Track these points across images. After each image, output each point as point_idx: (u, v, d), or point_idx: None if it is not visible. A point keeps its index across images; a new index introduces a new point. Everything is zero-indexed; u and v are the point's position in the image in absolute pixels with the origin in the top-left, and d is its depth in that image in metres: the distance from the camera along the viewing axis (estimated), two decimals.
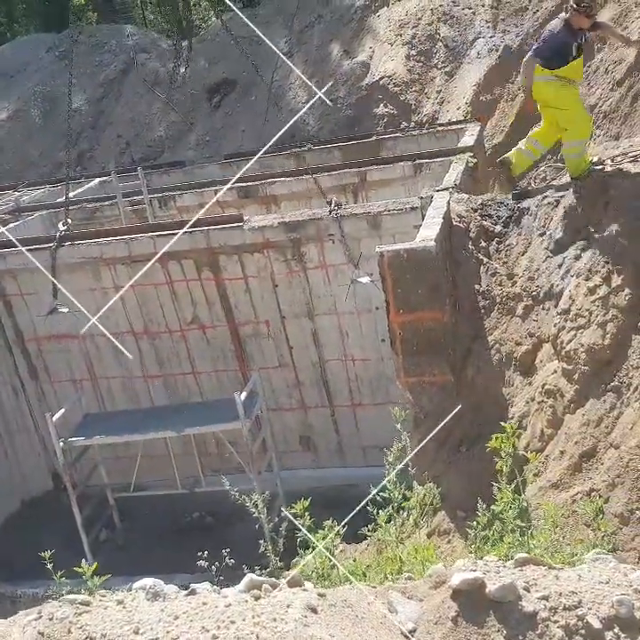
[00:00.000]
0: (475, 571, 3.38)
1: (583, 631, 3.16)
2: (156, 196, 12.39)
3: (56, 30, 21.51)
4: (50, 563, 5.17)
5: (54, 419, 9.76)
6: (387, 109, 16.05)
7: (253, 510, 5.45)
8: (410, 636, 3.29)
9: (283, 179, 11.94)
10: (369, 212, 9.56)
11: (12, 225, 12.10)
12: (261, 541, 6.06)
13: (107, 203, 12.59)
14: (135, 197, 12.34)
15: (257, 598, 3.50)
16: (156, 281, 10.47)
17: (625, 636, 3.15)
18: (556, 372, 7.32)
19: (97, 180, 14.00)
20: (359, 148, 12.92)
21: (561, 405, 7.05)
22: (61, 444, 9.81)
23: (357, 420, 10.50)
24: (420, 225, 8.59)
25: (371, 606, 3.47)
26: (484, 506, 5.23)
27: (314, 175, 10.00)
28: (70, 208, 11.24)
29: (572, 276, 7.63)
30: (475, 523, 5.20)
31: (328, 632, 3.28)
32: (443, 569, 3.55)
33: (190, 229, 10.09)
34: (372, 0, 17.82)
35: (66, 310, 10.60)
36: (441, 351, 7.86)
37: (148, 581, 3.75)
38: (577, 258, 7.71)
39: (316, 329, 10.25)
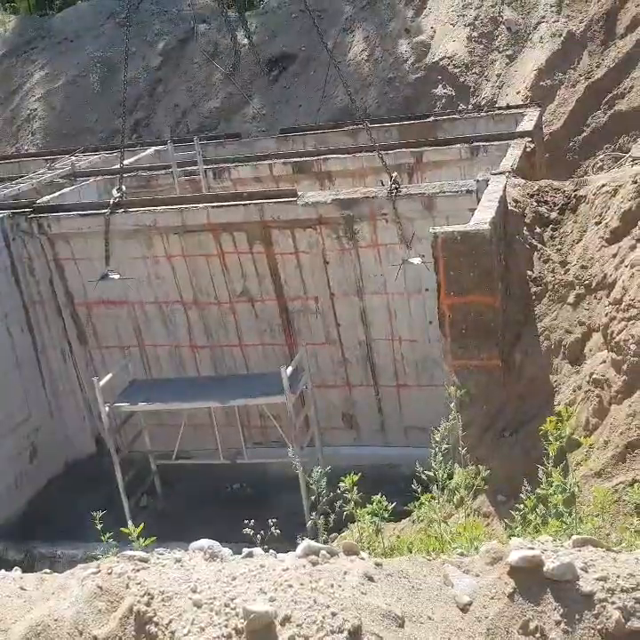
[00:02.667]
0: (533, 548, 3.39)
1: None
2: (211, 167, 12.44)
3: None
4: (99, 523, 5.27)
5: (101, 383, 9.92)
6: (445, 91, 15.87)
7: (309, 482, 5.49)
8: (465, 609, 3.31)
9: (338, 155, 11.91)
10: (424, 193, 9.49)
11: (67, 189, 12.27)
12: (310, 514, 6.11)
13: (162, 172, 12.68)
14: (189, 168, 12.40)
15: (314, 564, 3.53)
16: (208, 252, 10.53)
17: None
18: (604, 361, 7.24)
19: (152, 148, 14.12)
20: (416, 128, 12.82)
21: (608, 395, 6.99)
22: (107, 408, 9.97)
23: (401, 400, 10.50)
24: (475, 208, 8.50)
25: (426, 578, 3.49)
26: (529, 489, 5.23)
27: (380, 152, 9.92)
28: (125, 175, 11.34)
29: (625, 267, 7.52)
30: (521, 505, 5.19)
31: (384, 600, 3.31)
32: (499, 545, 3.56)
33: (244, 202, 10.16)
34: None
35: (117, 276, 10.77)
36: (490, 335, 7.81)
37: (205, 542, 3.80)
38: (632, 248, 7.59)
39: (364, 307, 10.24)
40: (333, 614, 3.19)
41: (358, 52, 17.05)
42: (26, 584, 3.77)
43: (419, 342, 10.12)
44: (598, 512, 5.00)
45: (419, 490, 5.46)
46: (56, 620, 3.35)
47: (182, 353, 11.15)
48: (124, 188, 10.97)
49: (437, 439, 5.92)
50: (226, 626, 3.22)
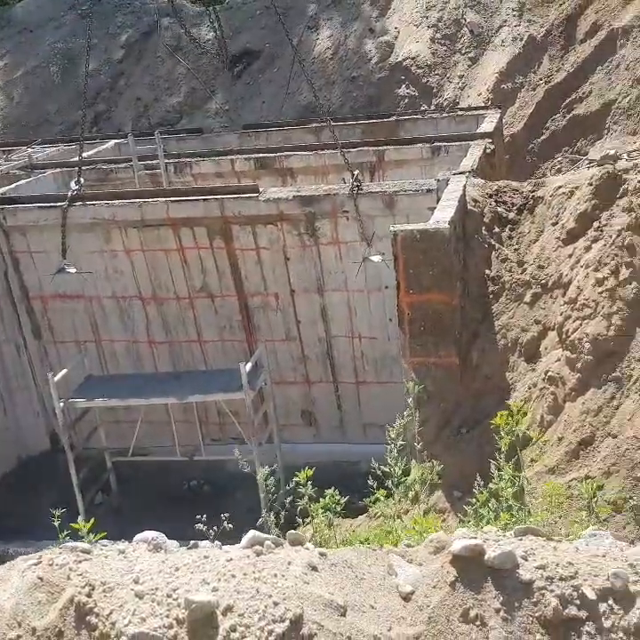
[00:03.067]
0: (475, 538, 3.43)
1: (578, 601, 3.22)
2: (172, 161, 12.34)
3: None
4: (55, 520, 5.18)
5: (56, 379, 9.75)
6: (408, 91, 15.98)
7: (259, 480, 5.47)
8: (407, 598, 3.33)
9: (301, 152, 11.90)
10: (385, 191, 9.53)
11: (23, 181, 12.03)
12: (264, 511, 6.10)
13: (122, 165, 12.54)
14: (151, 162, 12.28)
15: (258, 554, 3.53)
16: (167, 247, 10.44)
17: (618, 608, 3.21)
18: (559, 359, 7.37)
19: (113, 141, 13.94)
20: (379, 127, 12.87)
21: (562, 393, 7.12)
22: (61, 404, 9.80)
23: (360, 397, 10.52)
24: (435, 207, 8.57)
25: (371, 568, 3.51)
26: (482, 484, 5.28)
27: (342, 149, 9.93)
28: (84, 168, 11.18)
29: (581, 267, 7.66)
30: (474, 500, 5.24)
31: (328, 590, 3.32)
32: (443, 535, 3.62)
33: (205, 197, 10.09)
34: None
35: (74, 270, 10.62)
36: (448, 333, 7.88)
37: (149, 534, 3.78)
38: (587, 249, 7.74)
39: (324, 305, 10.25)
40: (275, 604, 3.21)
41: (323, 50, 17.07)
42: None
43: (378, 339, 10.16)
44: (547, 506, 5.07)
45: (375, 486, 5.48)
46: None
47: (140, 348, 11.04)
48: (82, 180, 10.81)
49: (393, 436, 5.95)
50: (167, 616, 3.21)
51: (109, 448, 10.77)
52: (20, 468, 11.41)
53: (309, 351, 10.52)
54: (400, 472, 5.52)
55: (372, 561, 3.55)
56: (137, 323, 10.92)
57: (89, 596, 3.31)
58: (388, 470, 5.60)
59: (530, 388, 7.56)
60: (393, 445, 5.86)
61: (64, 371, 10.09)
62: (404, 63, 16.25)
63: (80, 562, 3.50)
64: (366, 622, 3.25)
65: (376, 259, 9.54)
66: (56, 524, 5.17)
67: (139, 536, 3.80)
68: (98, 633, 3.24)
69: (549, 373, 7.35)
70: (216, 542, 3.85)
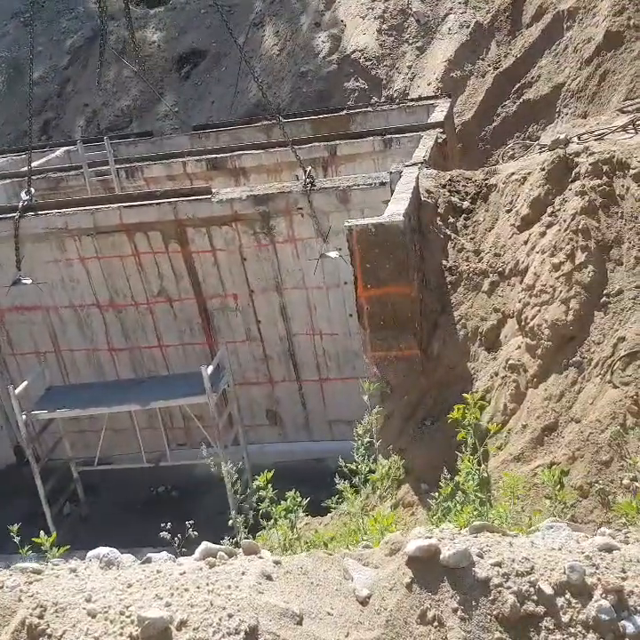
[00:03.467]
0: (430, 537, 3.40)
1: (535, 597, 3.20)
2: (123, 166, 12.21)
3: None
4: (17, 535, 5.10)
5: (17, 391, 9.62)
6: (357, 84, 15.95)
7: (226, 481, 5.42)
8: (364, 602, 3.30)
9: (252, 151, 11.84)
10: (338, 187, 9.52)
11: None
12: (233, 513, 6.05)
13: (72, 172, 12.38)
14: (101, 168, 12.13)
15: (212, 566, 3.50)
16: (122, 253, 10.33)
17: (576, 602, 3.19)
18: (519, 347, 7.40)
19: (62, 149, 13.77)
20: (329, 121, 12.86)
21: (524, 380, 7.13)
22: (24, 416, 9.67)
23: (324, 394, 10.51)
24: (389, 200, 8.57)
25: (326, 573, 3.47)
26: (448, 477, 5.28)
27: (293, 146, 9.89)
28: (34, 177, 11.01)
29: (537, 253, 7.68)
30: (437, 494, 5.24)
31: (283, 599, 3.29)
32: (399, 536, 3.57)
33: (157, 201, 10.00)
34: None
35: (29, 281, 10.46)
36: (407, 326, 7.89)
37: (102, 550, 3.73)
38: (542, 235, 7.76)
39: (284, 303, 10.21)
40: (230, 616, 3.18)
41: (269, 47, 16.98)
42: None
43: (339, 335, 10.16)
44: (510, 496, 5.09)
45: (342, 483, 5.46)
46: None
47: (100, 356, 10.91)
48: (33, 190, 10.64)
49: (360, 432, 5.94)
50: (121, 634, 3.19)
51: (75, 458, 10.66)
52: None
53: (271, 350, 10.49)
54: (367, 468, 5.50)
55: (328, 566, 3.52)
56: (96, 331, 10.80)
57: (41, 617, 3.28)
58: (354, 467, 5.59)
59: (492, 377, 7.58)
60: (359, 442, 5.85)
61: (25, 383, 9.96)
62: (352, 56, 16.22)
63: (31, 583, 3.46)
64: (323, 629, 3.22)
65: (333, 254, 9.53)
66: (16, 540, 5.08)
67: (91, 552, 3.76)
68: None
69: (510, 361, 7.37)
70: (170, 556, 3.80)
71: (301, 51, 16.68)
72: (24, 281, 10.44)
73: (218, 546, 3.67)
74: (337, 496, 5.75)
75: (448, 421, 5.96)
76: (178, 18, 18.60)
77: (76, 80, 18.22)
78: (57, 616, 3.24)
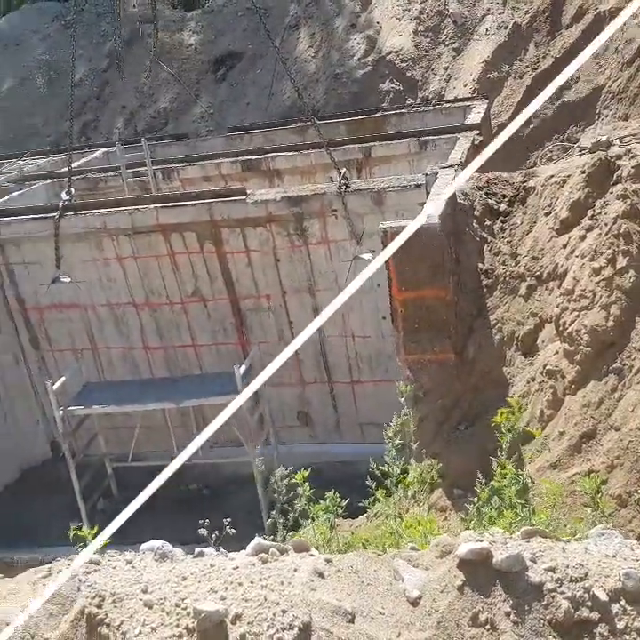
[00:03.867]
0: (482, 541, 3.41)
1: (589, 603, 3.19)
2: (159, 167, 12.31)
3: None
4: (61, 528, 5.16)
5: (54, 387, 9.79)
6: (393, 85, 15.94)
7: (258, 480, 5.46)
8: (415, 603, 3.32)
9: (286, 153, 11.87)
10: (373, 189, 9.50)
11: (15, 193, 12.02)
12: (268, 512, 6.08)
13: (111, 173, 12.52)
14: (139, 169, 12.26)
15: (264, 562, 3.54)
16: (158, 253, 10.43)
17: (631, 609, 3.18)
18: (557, 352, 7.30)
19: (101, 150, 13.94)
20: (364, 123, 12.83)
21: (562, 386, 7.03)
22: (61, 412, 9.83)
23: (356, 396, 10.51)
24: (425, 202, 8.54)
25: (377, 573, 3.50)
26: (484, 482, 5.24)
27: (328, 148, 9.91)
28: (74, 178, 11.17)
29: (576, 257, 7.58)
30: (475, 499, 5.21)
31: (335, 596, 3.32)
32: (449, 539, 3.60)
33: (193, 202, 10.08)
34: None
35: (68, 280, 10.62)
36: (442, 329, 7.85)
37: (155, 543, 3.79)
38: (582, 238, 7.65)
39: (316, 304, 10.23)
40: (283, 611, 3.21)
41: (305, 49, 17.04)
42: None
43: (372, 338, 10.14)
44: (551, 503, 5.04)
45: (373, 486, 5.46)
46: (8, 625, 3.36)
47: (135, 355, 11.02)
48: (73, 190, 10.79)
49: (391, 434, 5.92)
50: (177, 625, 3.24)
51: (109, 454, 10.78)
52: (23, 477, 11.41)
53: (303, 352, 10.50)
54: (399, 471, 5.49)
55: (378, 566, 3.55)
56: (132, 329, 10.92)
57: (99, 606, 3.35)
58: (386, 470, 5.58)
59: (528, 383, 7.50)
60: (391, 444, 5.83)
61: (62, 379, 10.12)
62: (388, 57, 16.21)
63: (89, 573, 3.54)
64: (375, 628, 3.25)
65: (366, 257, 9.51)
66: (68, 532, 5.15)
67: (145, 545, 3.82)
68: None
69: (548, 367, 7.27)
70: (221, 550, 3.85)
71: (336, 52, 16.71)
72: (63, 279, 10.59)
73: (270, 542, 3.72)
74: (368, 498, 5.75)
75: (484, 426, 5.93)
76: (214, 21, 18.74)
77: (113, 82, 18.44)
78: (115, 606, 3.32)
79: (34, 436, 11.63)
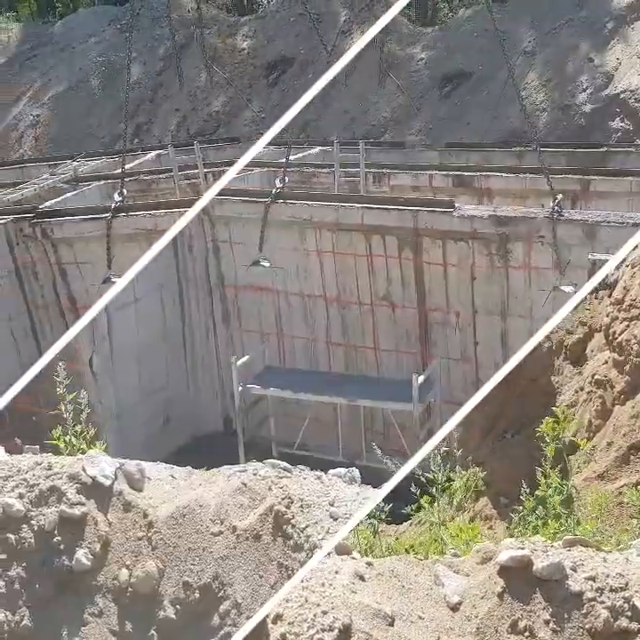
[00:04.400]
0: (522, 548, 3.38)
1: (629, 613, 3.14)
2: (371, 171, 12.54)
3: (118, 3, 21.60)
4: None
5: (239, 363, 10.22)
6: (623, 124, 15.33)
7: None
8: (455, 608, 3.31)
9: (501, 174, 11.74)
10: (586, 220, 9.21)
11: (69, 194, 12.26)
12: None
13: (162, 176, 12.78)
14: (351, 170, 12.56)
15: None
16: (357, 252, 10.64)
17: None
18: (606, 362, 7.00)
19: (154, 152, 14.18)
20: (586, 156, 12.45)
21: (610, 396, 6.75)
22: (240, 388, 10.24)
23: None
24: None
25: (417, 578, 3.49)
26: (529, 491, 5.08)
27: (548, 174, 9.73)
28: (126, 180, 11.30)
29: (627, 266, 7.17)
30: (520, 508, 5.05)
31: (375, 599, 3.33)
32: (490, 546, 3.56)
33: (400, 207, 10.21)
34: (630, 10, 17.00)
35: (268, 264, 11.06)
36: None
37: (342, 470, 3.94)
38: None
39: (506, 329, 10.02)
40: (324, 613, 3.23)
41: (536, 76, 16.76)
42: (175, 474, 4.08)
43: None
44: (597, 514, 4.80)
45: (418, 493, 5.32)
46: (201, 506, 3.60)
47: (317, 347, 11.30)
48: (125, 191, 10.99)
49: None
50: None
51: (277, 438, 11.05)
52: (194, 443, 11.93)
53: (483, 375, 10.32)
54: (444, 479, 5.35)
55: (419, 571, 3.54)
56: (318, 322, 11.19)
57: (288, 507, 3.52)
58: (431, 477, 5.42)
59: (576, 392, 7.23)
60: (435, 451, 5.66)
61: (246, 357, 10.54)
62: (622, 96, 15.61)
63: (281, 478, 3.75)
64: (414, 632, 3.26)
65: (568, 289, 9.22)
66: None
67: (332, 471, 3.99)
68: (292, 542, 3.46)
69: (596, 376, 6.98)
70: None
71: (568, 83, 16.30)
72: (263, 263, 11.04)
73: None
74: (412, 506, 5.61)
75: (530, 434, 5.73)
76: (448, 38, 18.86)
77: (167, 86, 18.56)
78: (302, 510, 3.51)
79: (210, 408, 12.18)
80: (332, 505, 3.48)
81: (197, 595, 3.48)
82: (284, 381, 10.56)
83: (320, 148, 14.45)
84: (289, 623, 3.23)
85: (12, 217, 11.16)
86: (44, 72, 20.27)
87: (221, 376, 11.95)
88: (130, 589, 3.59)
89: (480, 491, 6.55)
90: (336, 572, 3.47)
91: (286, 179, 11.29)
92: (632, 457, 6.17)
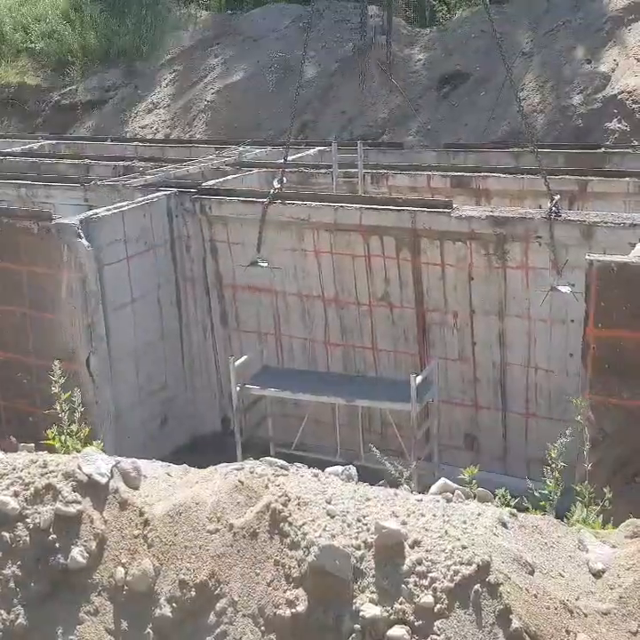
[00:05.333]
0: None
1: None
2: (370, 171, 12.58)
3: (305, 2, 22.23)
4: None
5: (237, 363, 10.23)
6: (620, 125, 15.37)
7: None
8: (598, 574, 3.31)
9: (499, 174, 11.76)
10: (584, 221, 9.21)
11: (231, 176, 12.76)
12: None
13: (322, 171, 12.93)
14: (349, 170, 12.58)
15: (448, 501, 3.61)
16: (355, 252, 10.64)
17: None
18: None
19: (317, 148, 14.45)
20: (584, 157, 12.46)
21: None
22: (238, 388, 10.24)
23: (528, 429, 10.18)
24: (637, 243, 8.20)
25: (560, 539, 3.47)
26: None
27: (545, 174, 9.74)
28: (287, 170, 11.62)
29: None
30: None
31: (516, 547, 3.31)
32: None
33: (398, 207, 10.21)
34: (627, 12, 17.04)
35: (265, 265, 11.07)
36: (635, 374, 7.45)
37: (339, 468, 3.96)
38: None
39: (503, 329, 10.03)
40: (463, 547, 3.25)
41: (534, 77, 16.79)
42: (172, 471, 4.14)
43: (555, 373, 9.80)
44: None
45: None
46: (197, 504, 3.65)
47: (316, 347, 11.29)
48: (285, 179, 11.24)
49: (557, 475, 5.63)
50: (356, 538, 3.37)
51: (274, 439, 11.05)
52: (192, 443, 11.91)
53: (481, 374, 10.33)
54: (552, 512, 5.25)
55: (563, 533, 3.53)
56: (316, 322, 11.20)
57: (284, 505, 3.54)
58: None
59: None
60: (555, 483, 5.57)
61: (244, 357, 10.55)
62: (619, 97, 15.65)
63: (278, 476, 3.76)
64: (554, 587, 3.22)
65: (565, 289, 9.23)
66: None
67: (329, 469, 4.00)
68: (289, 540, 3.46)
69: None
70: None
71: (566, 85, 16.34)
72: (261, 263, 11.05)
73: (456, 485, 3.78)
74: None
75: None
76: (446, 39, 18.89)
77: (338, 87, 19.03)
78: (299, 508, 3.51)
79: (208, 408, 12.17)
80: (329, 502, 3.48)
81: (193, 593, 3.48)
82: (282, 381, 10.56)
83: (318, 148, 14.47)
84: (426, 550, 3.28)
85: (175, 190, 11.62)
86: (224, 61, 21.01)
87: (219, 376, 11.94)
88: (126, 588, 3.59)
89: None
90: (479, 514, 3.53)
91: (284, 179, 11.28)
92: None
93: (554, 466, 5.04)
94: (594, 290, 7.61)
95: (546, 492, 4.96)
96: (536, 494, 4.89)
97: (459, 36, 18.71)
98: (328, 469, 3.98)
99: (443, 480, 3.78)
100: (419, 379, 9.35)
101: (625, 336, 7.52)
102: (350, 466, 4.01)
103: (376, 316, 10.81)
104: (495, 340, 10.16)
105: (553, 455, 5.22)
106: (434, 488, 3.75)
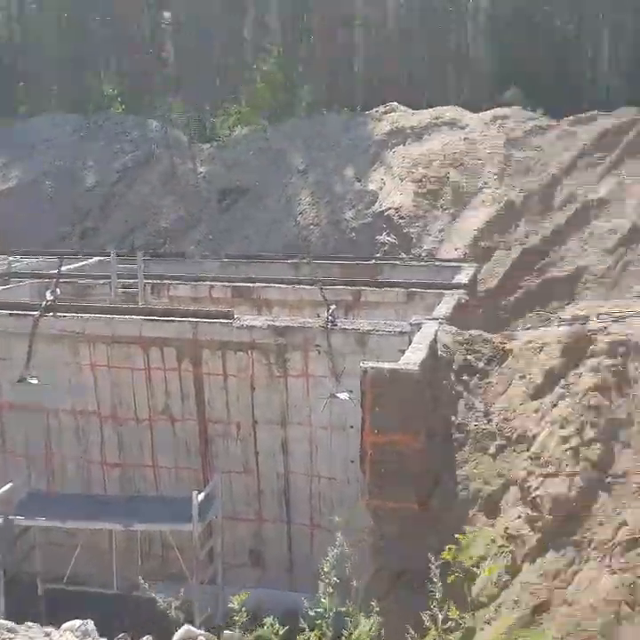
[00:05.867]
0: None
1: None
2: (150, 281, 12.39)
3: (82, 113, 22.23)
4: None
5: (0, 492, 9.29)
6: (389, 238, 16.45)
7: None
8: None
9: (278, 285, 12.02)
10: (358, 329, 9.56)
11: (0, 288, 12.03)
12: None
13: (100, 281, 12.57)
14: (129, 280, 12.32)
15: None
16: (134, 365, 10.28)
17: None
18: (520, 517, 7.17)
19: (96, 258, 14.10)
20: (358, 268, 13.11)
21: (521, 552, 6.86)
22: (0, 520, 9.27)
23: (313, 542, 10.06)
24: (406, 349, 8.57)
25: None
26: None
27: (321, 285, 10.09)
28: (62, 281, 11.16)
29: (546, 423, 7.61)
30: None
31: None
32: None
33: (179, 318, 10.06)
34: (391, 136, 18.59)
35: (35, 381, 10.37)
36: (408, 478, 7.64)
37: (77, 622, 3.51)
38: (553, 405, 7.71)
39: (286, 438, 10.01)
40: None
41: (309, 193, 17.66)
42: None
43: (337, 480, 9.86)
44: None
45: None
46: None
47: (91, 468, 10.61)
48: (58, 291, 10.76)
49: (330, 589, 5.51)
50: None
51: (43, 573, 10.05)
52: None
53: (265, 486, 10.17)
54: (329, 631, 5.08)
55: None
56: (91, 441, 10.56)
57: None
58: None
59: (488, 545, 7.28)
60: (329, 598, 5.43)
61: (8, 485, 9.61)
62: (387, 213, 16.82)
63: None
64: None
65: (343, 396, 9.42)
66: None
67: (66, 624, 3.51)
68: None
69: (509, 531, 7.12)
70: None
71: (339, 201, 17.33)
72: (30, 380, 10.34)
73: (200, 631, 3.43)
74: None
75: (451, 583, 5.69)
76: (227, 155, 19.52)
77: (120, 196, 18.93)
78: None
79: None
80: None
81: None
82: (52, 509, 9.67)
83: (98, 258, 14.13)
84: None
85: None
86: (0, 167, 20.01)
87: None
88: None
89: None
90: None
91: (58, 290, 10.80)
92: (536, 617, 6.11)
93: (327, 581, 4.91)
94: (369, 396, 7.81)
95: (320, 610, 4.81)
96: (310, 613, 4.72)
97: (238, 152, 19.43)
98: (64, 625, 3.56)
99: (186, 627, 3.47)
100: (201, 496, 9.00)
101: (398, 440, 7.73)
102: (88, 620, 3.59)
103: (156, 430, 10.40)
104: (278, 449, 10.10)
105: (325, 569, 5.08)
106: (176, 637, 3.43)
